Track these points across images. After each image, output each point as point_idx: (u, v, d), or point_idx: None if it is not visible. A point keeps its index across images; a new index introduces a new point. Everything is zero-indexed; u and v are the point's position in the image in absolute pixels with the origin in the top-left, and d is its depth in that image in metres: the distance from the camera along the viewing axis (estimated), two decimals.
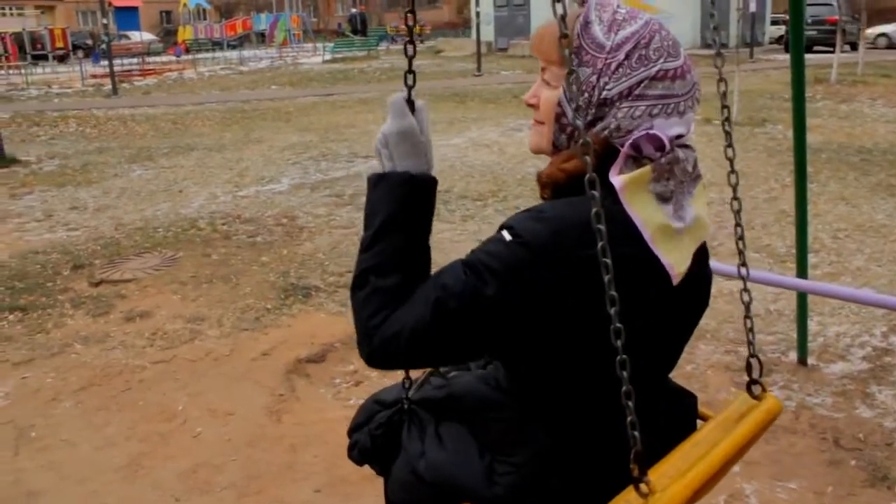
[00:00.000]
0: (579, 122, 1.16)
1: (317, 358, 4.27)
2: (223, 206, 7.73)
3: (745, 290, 1.47)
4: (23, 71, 25.83)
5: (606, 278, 1.08)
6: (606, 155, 1.21)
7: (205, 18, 45.22)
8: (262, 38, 40.16)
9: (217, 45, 37.68)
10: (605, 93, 1.21)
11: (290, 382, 4.00)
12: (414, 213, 1.29)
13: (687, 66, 1.26)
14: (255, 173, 9.31)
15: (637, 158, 1.21)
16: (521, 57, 28.08)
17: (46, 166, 10.39)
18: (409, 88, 1.31)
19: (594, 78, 1.22)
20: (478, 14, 26.08)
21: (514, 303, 1.15)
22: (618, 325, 1.09)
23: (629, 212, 1.19)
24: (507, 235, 1.17)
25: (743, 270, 1.49)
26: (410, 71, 1.30)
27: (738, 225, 1.49)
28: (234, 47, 37.57)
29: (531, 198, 7.70)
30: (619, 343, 1.09)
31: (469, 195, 7.87)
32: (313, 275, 5.59)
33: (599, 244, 1.09)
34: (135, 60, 30.97)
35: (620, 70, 1.21)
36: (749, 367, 1.45)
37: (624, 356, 1.09)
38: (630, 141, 1.20)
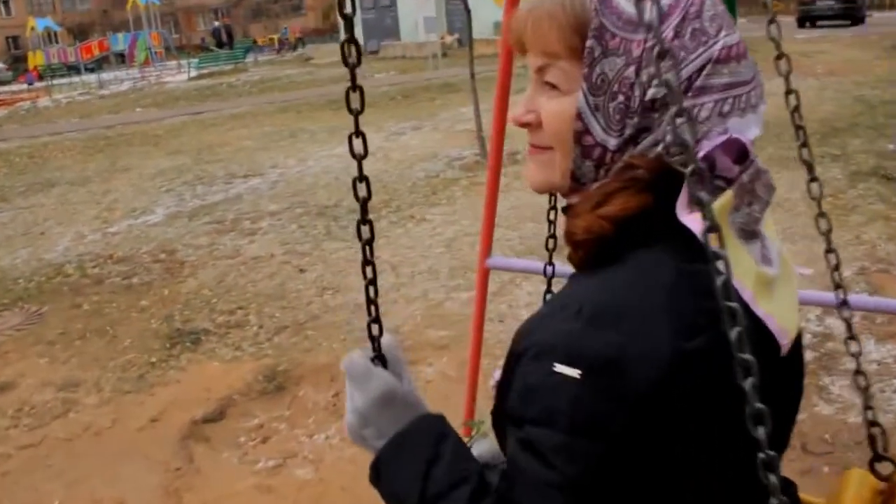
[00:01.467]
0: (612, 141, 0.84)
1: (215, 416, 3.76)
2: (92, 247, 7.01)
3: (852, 336, 1.12)
4: None
5: (748, 385, 0.71)
6: (663, 182, 0.83)
7: (56, 42, 42.76)
8: (122, 59, 38.27)
9: (73, 69, 35.59)
10: (650, 91, 0.83)
11: (187, 451, 3.49)
12: (444, 466, 0.92)
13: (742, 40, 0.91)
14: (126, 205, 8.57)
15: (708, 180, 0.84)
16: (394, 58, 27.74)
17: None
18: (375, 341, 1.00)
19: (631, 71, 0.83)
20: (345, 17, 25.52)
21: (630, 461, 0.77)
22: (760, 437, 0.73)
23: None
24: (566, 370, 0.77)
25: (845, 304, 1.13)
26: (365, 218, 1.04)
27: (829, 251, 1.14)
28: (91, 70, 35.56)
29: (424, 205, 7.35)
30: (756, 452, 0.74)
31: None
32: (200, 316, 5.04)
33: (733, 333, 0.71)
34: None
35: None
36: (872, 440, 1.10)
37: (771, 453, 0.73)
38: (699, 154, 0.82)
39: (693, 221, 0.79)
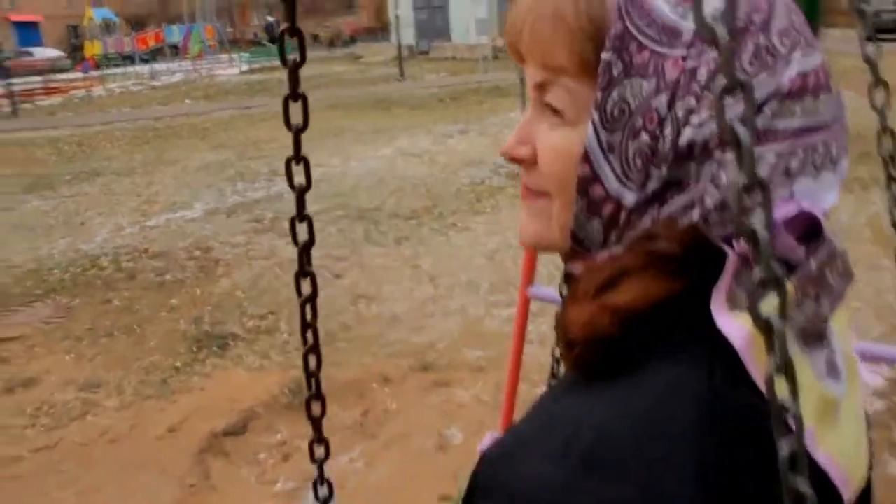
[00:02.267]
0: (630, 196, 0.61)
1: (236, 429, 3.59)
2: (129, 239, 6.92)
3: None
4: None
5: None
6: (694, 264, 0.59)
7: (114, 32, 43.47)
8: (177, 51, 38.74)
9: (128, 59, 36.12)
10: (688, 132, 0.57)
11: (204, 465, 3.32)
12: None
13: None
14: (166, 198, 8.50)
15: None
16: (444, 59, 27.61)
17: None
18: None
19: (663, 101, 0.58)
20: (397, 17, 25.49)
21: None
22: None
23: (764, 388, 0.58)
24: None
25: None
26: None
27: None
28: (146, 61, 36.05)
29: (468, 213, 7.13)
30: None
31: (401, 213, 7.24)
32: (231, 319, 4.89)
33: None
34: (38, 78, 29.33)
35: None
36: None
37: None
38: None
39: (735, 327, 0.56)
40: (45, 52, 37.96)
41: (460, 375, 3.99)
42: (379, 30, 46.50)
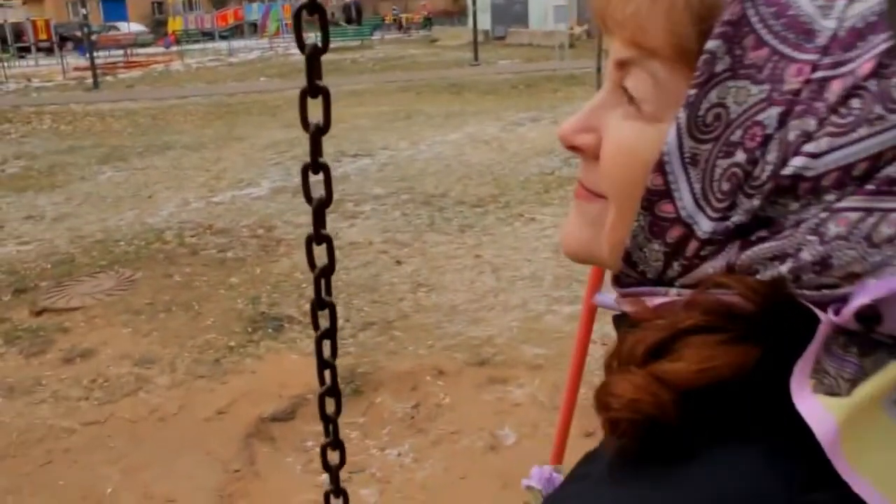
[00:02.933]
0: (706, 224, 0.48)
1: (284, 415, 3.52)
2: (194, 215, 6.96)
3: None
4: (4, 64, 24.93)
5: None
6: (773, 326, 0.47)
7: (196, 8, 44.31)
8: (255, 29, 39.26)
9: (208, 35, 36.79)
10: (797, 162, 0.44)
11: (250, 450, 3.25)
12: None
13: None
14: (234, 175, 8.53)
15: (859, 338, 0.45)
16: (520, 45, 27.29)
17: (10, 168, 9.61)
18: None
19: (772, 115, 0.44)
20: (474, 1, 25.27)
21: None
22: None
23: (862, 491, 0.43)
24: None
25: None
26: None
27: None
28: (225, 38, 36.68)
29: (535, 203, 6.96)
30: None
31: (467, 200, 7.11)
32: (287, 301, 4.83)
33: None
34: (121, 52, 30.08)
35: (858, 102, 0.42)
36: None
37: None
38: (857, 300, 0.44)
39: (820, 414, 0.43)
40: (130, 27, 38.86)
41: (517, 373, 3.84)
42: (456, 13, 46.32)
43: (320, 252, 1.04)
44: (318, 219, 0.83)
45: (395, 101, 14.22)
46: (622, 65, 0.51)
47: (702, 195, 0.47)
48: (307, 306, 4.64)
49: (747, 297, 0.46)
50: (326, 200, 0.81)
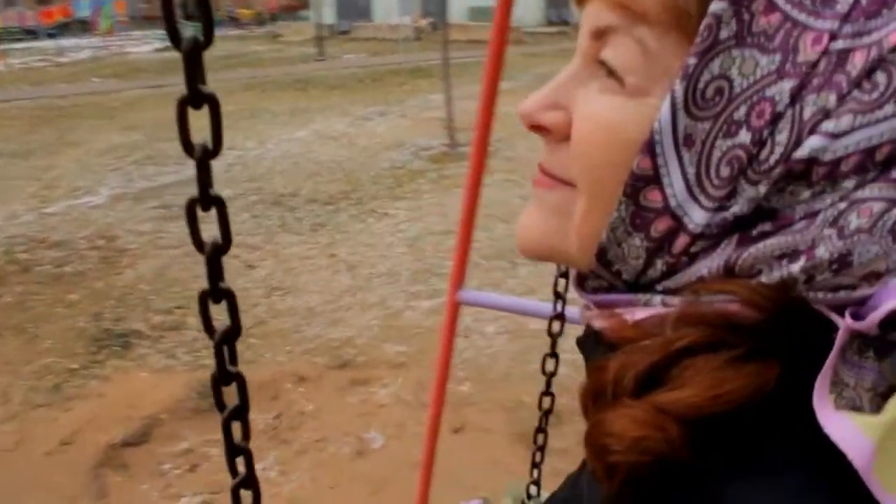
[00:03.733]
0: (699, 214, 0.42)
1: (137, 439, 3.31)
2: (25, 228, 6.46)
3: None
4: None
5: None
6: (786, 337, 0.41)
7: (15, 4, 41.34)
8: (86, 26, 37.08)
9: (31, 34, 34.40)
10: (813, 142, 0.38)
11: (100, 482, 3.04)
12: None
13: None
14: (68, 183, 7.99)
15: (875, 342, 0.40)
16: (365, 39, 27.15)
17: None
18: None
19: (784, 89, 0.39)
20: None
21: None
22: None
23: None
24: None
25: None
26: None
27: None
28: (52, 36, 34.42)
29: (387, 198, 6.91)
30: None
31: (318, 198, 6.97)
32: (134, 315, 4.57)
33: None
34: None
35: (884, 77, 0.37)
36: None
37: None
38: (886, 305, 0.39)
39: (851, 440, 0.37)
40: None
41: (379, 373, 3.79)
42: (298, 8, 45.52)
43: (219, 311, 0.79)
44: (214, 269, 0.65)
45: (239, 100, 13.78)
46: (601, 34, 0.44)
47: (696, 181, 0.41)
48: (155, 319, 4.38)
49: (753, 303, 0.40)
50: (224, 245, 0.63)
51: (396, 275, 5.06)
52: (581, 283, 0.50)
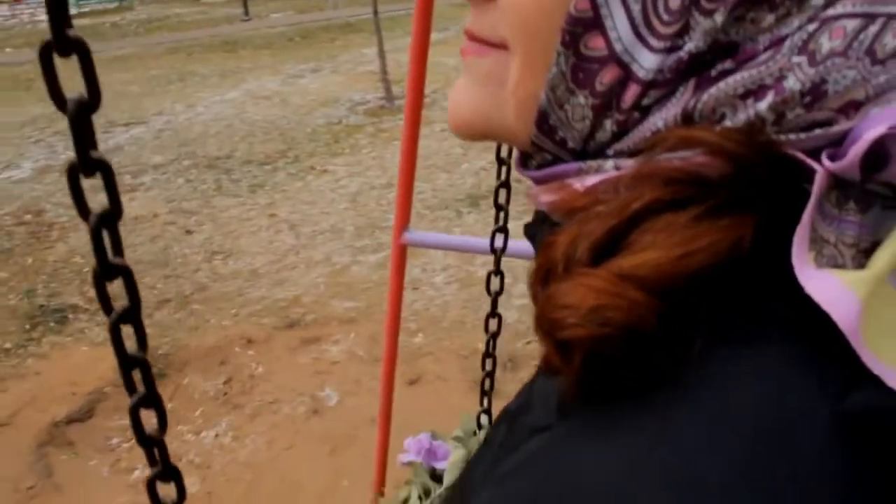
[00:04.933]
0: (649, 58, 0.36)
1: (81, 415, 3.19)
2: None
3: None
4: None
5: None
6: (758, 189, 0.34)
7: None
8: None
9: None
10: None
11: (45, 461, 2.92)
12: None
13: None
14: None
15: (854, 192, 0.34)
16: None
17: None
18: None
19: None
20: None
21: None
22: None
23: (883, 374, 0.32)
24: None
25: None
26: None
27: None
28: None
29: (325, 155, 6.77)
30: None
31: (254, 159, 6.78)
32: (69, 289, 4.39)
33: None
34: None
35: None
36: None
37: None
38: (868, 134, 0.33)
39: (834, 298, 0.32)
40: None
41: (330, 330, 3.71)
42: None
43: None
44: (101, 241, 0.51)
45: (164, 64, 13.32)
46: None
47: (642, 20, 0.35)
48: (92, 292, 4.21)
49: (718, 151, 0.34)
50: (112, 211, 0.51)
51: (340, 231, 4.95)
52: (524, 162, 0.43)
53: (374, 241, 4.70)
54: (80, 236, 5.23)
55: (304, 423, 3.08)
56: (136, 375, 0.71)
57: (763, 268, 0.34)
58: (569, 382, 0.35)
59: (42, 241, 5.25)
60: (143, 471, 2.88)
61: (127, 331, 0.68)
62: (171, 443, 3.18)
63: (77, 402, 3.25)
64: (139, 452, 2.57)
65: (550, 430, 0.37)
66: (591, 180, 0.38)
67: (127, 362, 0.64)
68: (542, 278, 0.36)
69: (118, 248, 0.59)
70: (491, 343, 1.35)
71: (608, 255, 0.34)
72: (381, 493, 2.61)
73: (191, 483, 2.80)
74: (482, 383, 1.32)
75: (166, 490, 0.76)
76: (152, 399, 0.70)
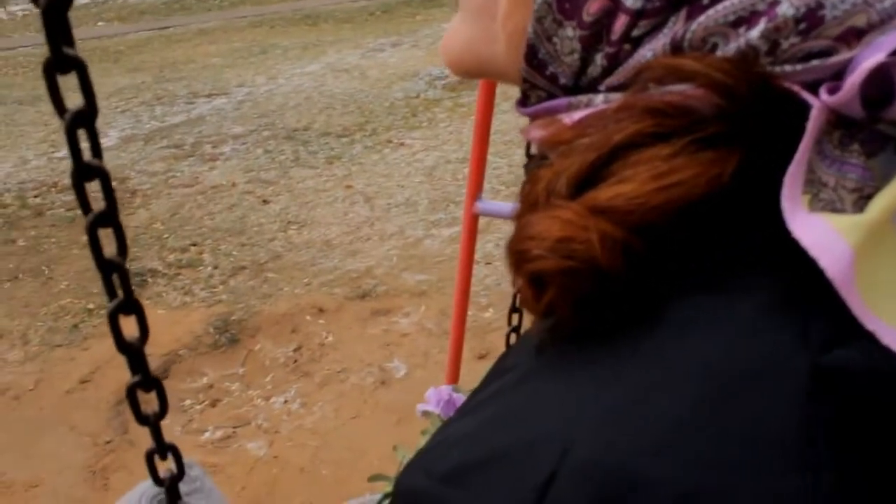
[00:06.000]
0: None
1: (157, 375, 3.23)
2: (35, 174, 6.37)
3: None
4: None
5: None
6: (747, 123, 0.31)
7: None
8: None
9: None
10: None
11: (121, 419, 2.99)
12: None
13: None
14: None
15: (860, 132, 0.30)
16: None
17: None
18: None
19: None
20: None
21: None
22: None
23: (891, 341, 0.28)
24: None
25: None
26: None
27: None
28: None
29: (403, 129, 6.75)
30: None
31: (332, 131, 6.82)
32: (149, 254, 4.49)
33: None
34: None
35: None
36: None
37: None
38: (867, 62, 0.28)
39: (824, 244, 0.29)
40: None
41: (400, 302, 3.70)
42: None
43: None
44: (76, 142, 0.51)
45: (247, 37, 13.53)
46: None
47: None
48: (170, 257, 4.30)
49: (706, 82, 0.31)
50: (88, 110, 0.52)
51: (414, 204, 4.94)
52: (524, 102, 0.42)
53: (449, 215, 4.66)
54: (161, 203, 5.36)
55: (371, 394, 3.08)
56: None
57: (750, 209, 0.31)
58: (538, 319, 0.35)
59: (125, 207, 5.38)
60: (213, 433, 2.94)
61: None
62: (241, 407, 3.22)
63: (153, 363, 3.28)
64: (209, 414, 2.60)
65: (518, 368, 0.37)
66: (580, 115, 0.36)
67: (105, 266, 0.63)
68: (524, 214, 0.35)
69: (96, 149, 0.59)
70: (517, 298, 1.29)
71: (588, 189, 0.32)
72: None
73: (258, 447, 2.84)
74: (507, 336, 1.28)
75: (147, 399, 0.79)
76: (130, 305, 0.69)
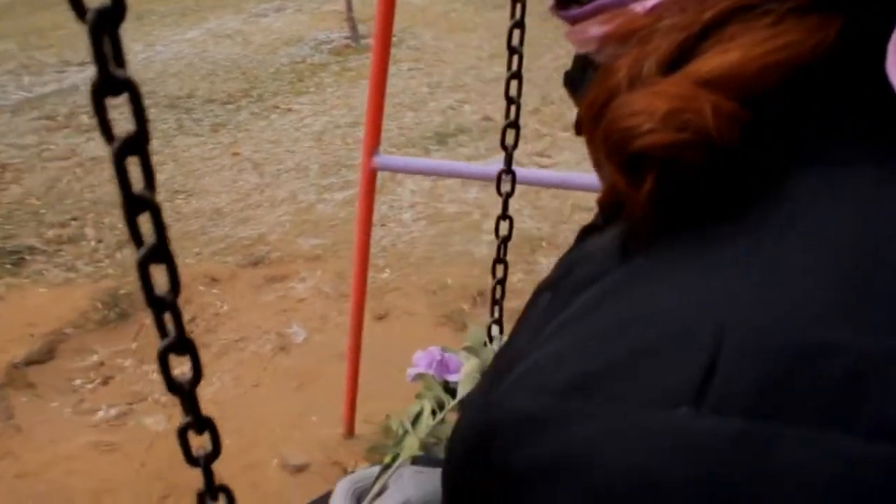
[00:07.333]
0: None
1: (41, 356, 3.11)
2: None
3: None
4: None
5: None
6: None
7: None
8: None
9: None
10: None
11: (5, 403, 2.86)
12: None
13: None
14: None
15: None
16: None
17: None
18: None
19: None
20: None
21: None
22: None
23: None
24: None
25: None
26: None
27: None
28: None
29: (289, 94, 6.61)
30: None
31: (217, 98, 6.60)
32: (25, 231, 4.26)
33: None
34: None
35: None
36: None
37: None
38: None
39: None
40: None
41: (296, 267, 3.65)
42: None
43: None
44: (123, 172, 0.45)
45: None
46: None
47: None
48: (49, 233, 4.08)
49: None
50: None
51: (305, 169, 4.85)
52: (564, 4, 0.38)
53: (341, 178, 4.61)
54: (37, 177, 5.08)
55: (270, 361, 3.04)
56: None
57: (853, 78, 0.30)
58: (637, 209, 0.31)
59: None
60: (106, 411, 2.84)
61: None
62: (136, 383, 3.12)
63: (36, 343, 3.17)
64: (102, 392, 2.51)
65: (608, 274, 0.34)
66: (653, 2, 0.33)
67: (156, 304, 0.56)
68: (596, 114, 0.32)
69: (150, 180, 0.53)
70: (502, 249, 1.28)
71: (685, 59, 0.30)
72: (352, 431, 2.59)
73: (156, 421, 2.77)
74: (493, 291, 1.28)
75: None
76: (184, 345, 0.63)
